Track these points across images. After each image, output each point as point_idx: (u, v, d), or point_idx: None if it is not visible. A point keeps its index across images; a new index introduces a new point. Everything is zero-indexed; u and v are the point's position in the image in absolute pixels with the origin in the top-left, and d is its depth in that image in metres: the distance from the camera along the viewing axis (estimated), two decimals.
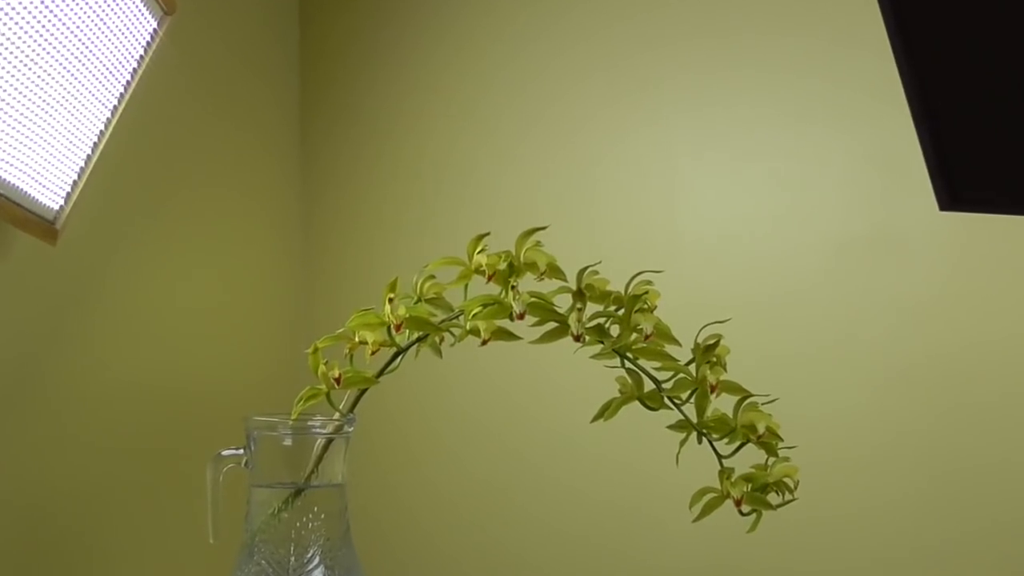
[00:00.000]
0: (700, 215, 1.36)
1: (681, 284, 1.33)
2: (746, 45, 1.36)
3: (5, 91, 0.84)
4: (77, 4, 0.89)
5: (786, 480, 0.87)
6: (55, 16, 0.86)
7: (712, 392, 0.85)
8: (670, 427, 0.88)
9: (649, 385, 0.88)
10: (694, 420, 0.87)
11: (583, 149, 1.44)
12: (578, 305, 0.84)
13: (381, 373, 0.88)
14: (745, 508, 0.86)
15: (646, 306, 0.87)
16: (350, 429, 0.90)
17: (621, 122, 1.42)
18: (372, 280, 1.55)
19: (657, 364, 0.87)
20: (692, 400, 0.87)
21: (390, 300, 0.86)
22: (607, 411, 0.87)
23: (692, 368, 0.87)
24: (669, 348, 0.87)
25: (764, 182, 1.34)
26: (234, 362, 1.35)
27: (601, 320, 0.87)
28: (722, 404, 0.87)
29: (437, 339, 0.89)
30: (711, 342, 0.87)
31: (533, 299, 0.85)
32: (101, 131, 0.97)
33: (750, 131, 1.36)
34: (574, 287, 0.86)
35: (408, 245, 1.56)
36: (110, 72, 0.96)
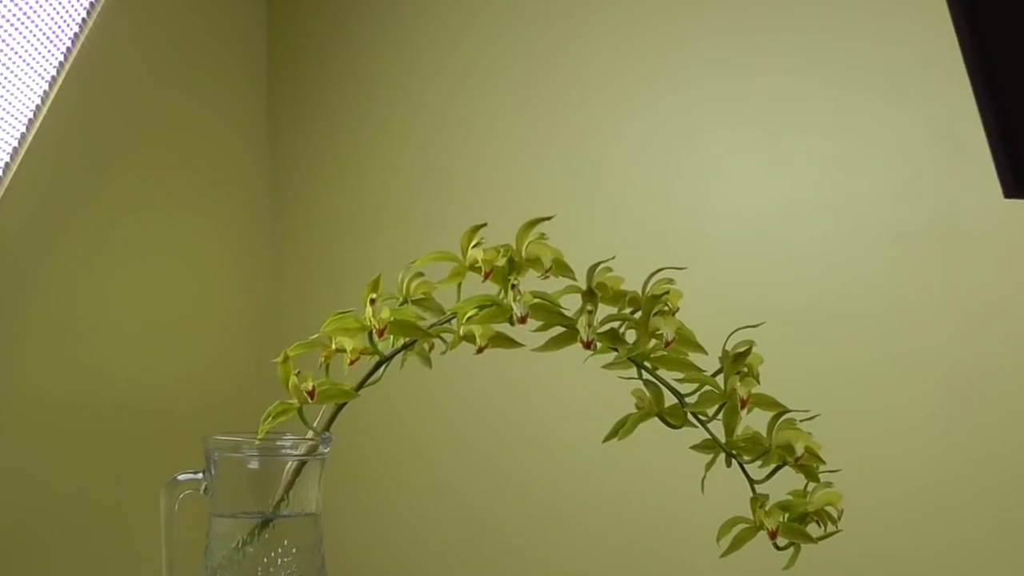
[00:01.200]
0: (729, 202, 1.37)
1: (707, 283, 1.34)
2: (784, 2, 1.37)
3: None
4: None
5: (828, 509, 0.87)
6: None
7: (743, 407, 0.86)
8: (694, 448, 0.88)
9: (670, 399, 0.88)
10: (722, 439, 0.87)
11: (592, 125, 1.45)
12: (588, 307, 0.85)
13: (361, 385, 0.89)
14: (781, 541, 0.86)
15: (667, 308, 0.87)
16: (326, 450, 0.90)
17: (637, 93, 1.42)
18: (351, 278, 1.56)
19: (679, 375, 0.87)
20: (720, 417, 0.87)
21: (372, 301, 0.86)
22: (622, 429, 0.88)
23: (720, 380, 0.88)
24: (693, 356, 0.88)
25: (804, 163, 1.35)
26: (191, 373, 1.36)
27: (615, 324, 0.87)
28: (754, 421, 0.88)
29: (426, 346, 0.90)
30: (742, 350, 0.87)
31: (536, 300, 0.86)
32: (37, 106, 0.97)
33: (788, 103, 1.36)
34: (584, 286, 0.86)
35: (392, 238, 1.57)
36: (47, 37, 0.96)
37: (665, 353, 0.87)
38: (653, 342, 0.87)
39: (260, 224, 1.56)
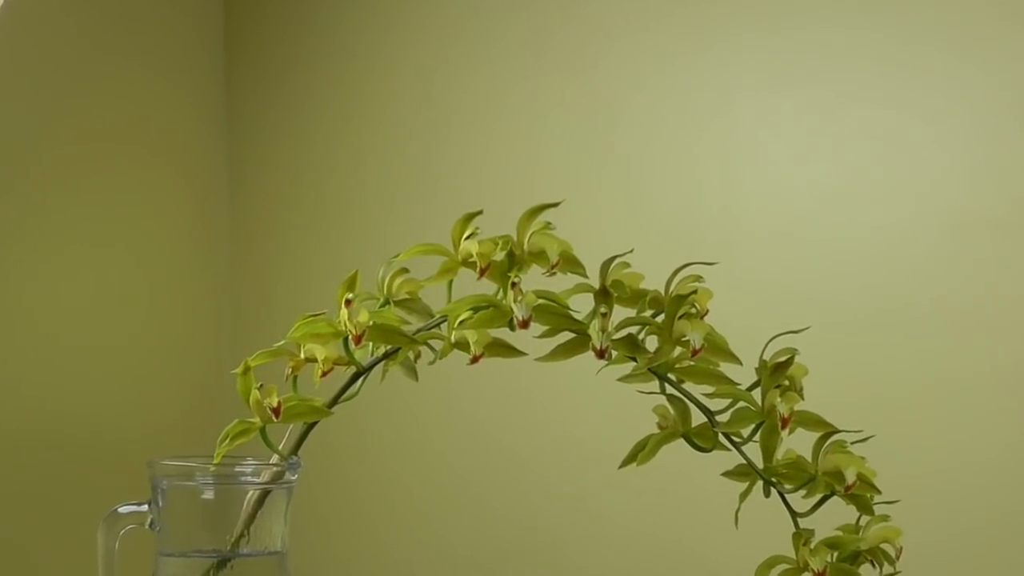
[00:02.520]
0: (768, 185, 1.37)
1: (742, 281, 1.34)
2: None
3: None
4: None
5: (885, 547, 0.88)
6: None
7: (784, 427, 0.86)
8: (727, 475, 0.89)
9: (699, 417, 0.88)
10: (760, 465, 0.88)
11: (606, 92, 1.45)
12: (602, 309, 0.86)
13: (335, 401, 0.89)
14: None
15: (694, 310, 0.87)
16: (293, 477, 0.91)
17: (659, 52, 1.42)
18: (322, 275, 1.56)
19: (709, 388, 0.88)
20: (757, 438, 0.88)
21: (347, 302, 0.87)
22: (641, 453, 0.88)
23: (756, 395, 0.88)
24: (725, 367, 0.88)
25: (857, 138, 1.35)
26: (133, 387, 1.36)
27: (633, 329, 0.88)
28: (797, 443, 0.89)
29: (411, 355, 0.90)
30: (782, 359, 0.88)
31: (541, 301, 0.87)
32: None
33: (840, 67, 1.37)
34: (597, 284, 0.87)
35: (371, 228, 1.57)
36: None
37: (692, 363, 0.88)
38: (678, 350, 0.87)
39: (215, 211, 1.57)
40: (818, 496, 0.88)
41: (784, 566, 0.87)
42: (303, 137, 1.63)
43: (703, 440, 0.88)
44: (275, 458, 0.90)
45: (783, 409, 0.86)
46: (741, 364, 0.88)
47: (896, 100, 1.35)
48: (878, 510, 0.88)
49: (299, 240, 1.61)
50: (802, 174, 1.37)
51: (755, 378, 0.88)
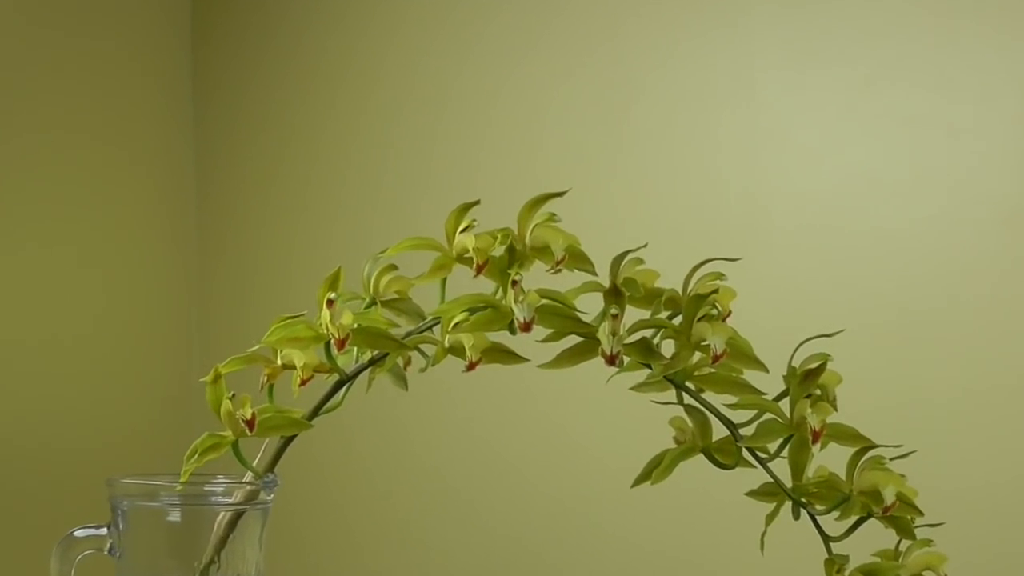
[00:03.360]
0: (797, 174, 1.37)
1: (768, 279, 1.34)
2: None
3: None
4: None
5: (927, 575, 0.88)
6: None
7: (815, 441, 0.86)
8: (752, 494, 0.89)
9: (720, 431, 0.88)
10: (788, 483, 0.88)
11: (617, 70, 1.45)
12: (613, 310, 0.85)
13: (316, 413, 0.89)
14: None
15: (715, 311, 0.87)
16: (269, 497, 0.91)
17: (674, 27, 1.42)
18: (300, 273, 1.56)
19: (731, 398, 0.88)
20: (785, 453, 0.88)
21: (329, 303, 0.87)
22: (656, 470, 0.88)
23: (785, 405, 0.88)
24: (749, 375, 0.88)
25: (893, 122, 1.35)
26: (93, 398, 1.36)
27: (647, 332, 0.88)
28: (830, 459, 0.89)
29: (400, 361, 0.90)
30: (813, 366, 0.88)
31: (545, 301, 0.86)
32: None
33: (872, 42, 1.37)
34: (607, 283, 0.87)
35: (354, 221, 1.56)
36: None
37: (713, 370, 0.88)
38: (697, 356, 0.88)
39: (181, 203, 1.57)
40: (853, 518, 0.88)
41: None
42: (278, 122, 1.63)
43: (725, 456, 0.88)
44: (249, 476, 0.90)
45: (814, 421, 0.86)
46: (767, 371, 0.88)
47: (936, 79, 1.35)
48: (920, 533, 0.88)
49: (274, 235, 1.61)
50: (833, 161, 1.37)
51: (783, 387, 0.88)
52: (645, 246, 0.88)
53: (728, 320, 0.88)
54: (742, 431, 0.88)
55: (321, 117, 1.60)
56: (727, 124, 1.40)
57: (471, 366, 0.86)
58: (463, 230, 0.88)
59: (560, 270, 0.87)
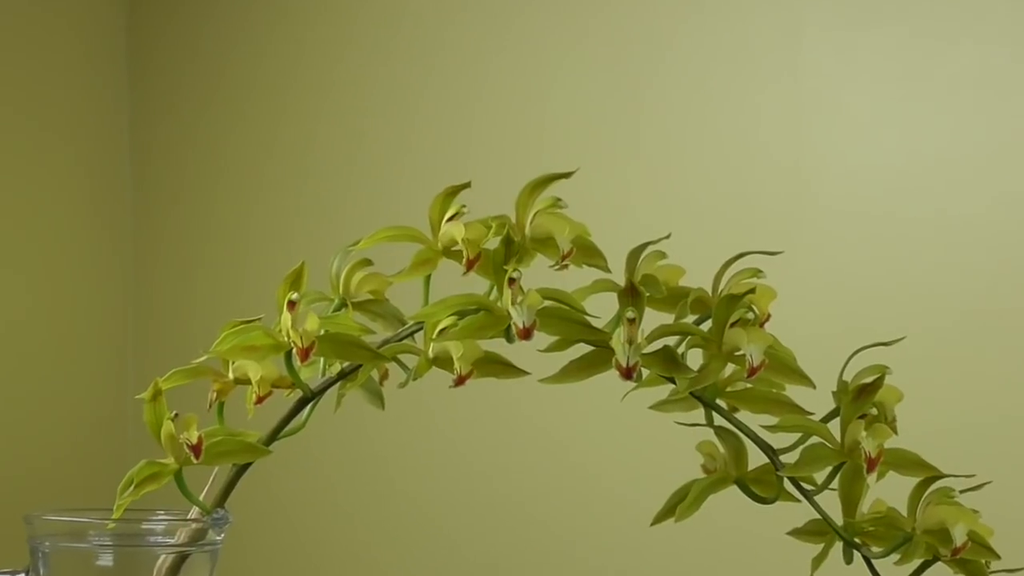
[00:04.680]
0: (848, 147, 1.37)
1: (814, 275, 1.34)
2: None
3: None
4: None
5: None
6: None
7: (871, 470, 0.86)
8: (795, 533, 0.89)
9: (758, 457, 0.88)
10: (839, 520, 0.87)
11: (636, 28, 1.45)
12: (629, 313, 0.85)
13: (275, 436, 0.89)
14: None
15: (751, 315, 0.87)
16: (219, 537, 0.91)
17: None
18: (253, 270, 1.56)
19: (771, 419, 0.88)
20: (834, 484, 0.87)
21: (291, 304, 0.87)
22: (682, 504, 0.88)
23: (834, 427, 0.88)
24: (792, 390, 0.88)
25: (963, 87, 1.35)
26: (10, 420, 1.35)
27: (671, 340, 0.88)
28: (889, 491, 0.88)
29: (376, 375, 0.90)
30: (868, 380, 0.88)
31: (548, 302, 0.86)
32: None
33: (938, 6, 1.37)
34: (622, 281, 0.87)
35: (318, 207, 1.57)
36: None
37: (749, 385, 0.88)
38: (731, 368, 0.87)
39: (114, 192, 1.57)
40: (916, 561, 0.87)
41: None
42: (224, 97, 1.63)
43: (763, 487, 0.88)
44: (195, 512, 0.89)
45: (869, 446, 0.86)
46: (814, 387, 0.88)
47: (1012, 38, 1.35)
48: None
49: (223, 225, 1.61)
50: (891, 134, 1.37)
51: (832, 405, 0.88)
52: (668, 237, 0.88)
53: (767, 326, 0.88)
54: (783, 458, 0.88)
55: (277, 85, 1.60)
56: (767, 91, 1.40)
57: (460, 380, 0.86)
58: (450, 218, 0.88)
59: (566, 266, 0.87)
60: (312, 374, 0.89)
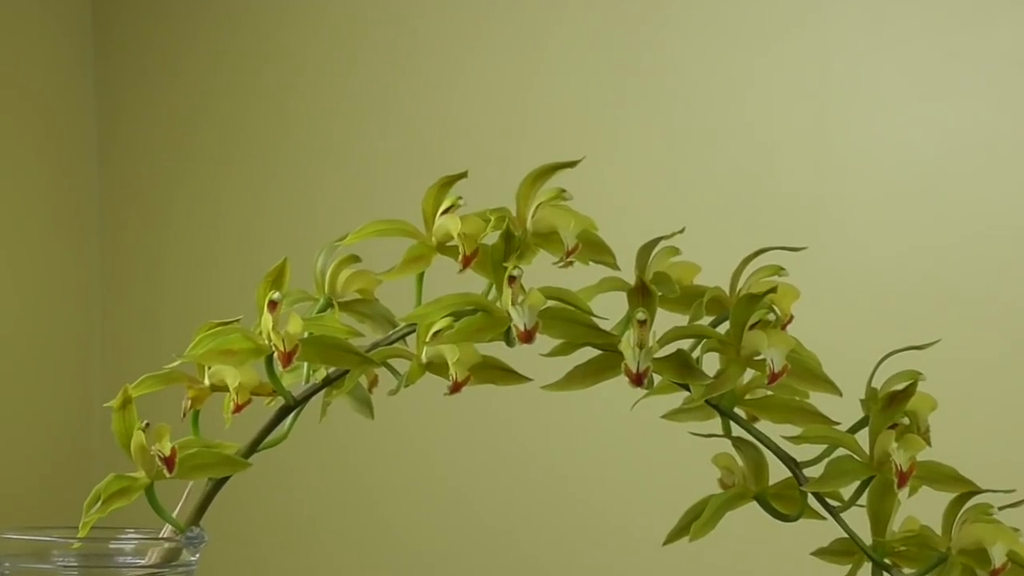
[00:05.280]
0: (878, 130, 1.37)
1: (841, 272, 1.34)
2: None
3: None
4: None
5: None
6: None
7: (902, 484, 0.86)
8: (820, 553, 0.89)
9: (779, 471, 0.88)
10: (867, 540, 0.87)
11: (647, 7, 1.45)
12: (640, 314, 0.85)
13: (254, 448, 0.89)
14: None
15: (773, 316, 0.87)
16: (193, 558, 0.91)
17: None
18: (230, 267, 1.56)
19: (795, 429, 0.88)
20: (863, 500, 0.87)
21: (272, 304, 0.87)
22: (696, 523, 0.88)
23: (862, 438, 0.88)
24: (816, 398, 0.88)
25: (1009, 64, 1.35)
26: None
27: (685, 344, 0.87)
28: (921, 508, 0.88)
29: (364, 381, 0.90)
30: (900, 387, 0.87)
31: (552, 302, 0.86)
32: None
33: None
34: (632, 279, 0.87)
35: (298, 198, 1.56)
36: None
37: (770, 393, 0.88)
38: (750, 374, 0.87)
39: (80, 183, 1.57)
40: None
41: None
42: (195, 78, 1.63)
43: (785, 504, 0.88)
44: (168, 530, 0.89)
45: (901, 459, 0.86)
46: (840, 394, 0.88)
47: None
48: None
49: (196, 218, 1.61)
50: (928, 116, 1.37)
51: (860, 414, 0.88)
52: (681, 231, 0.88)
53: (789, 328, 0.88)
54: (807, 472, 0.88)
55: (249, 70, 1.60)
56: (790, 72, 1.40)
57: (456, 387, 0.86)
58: (445, 211, 0.88)
59: (571, 263, 0.87)
60: (295, 380, 0.89)
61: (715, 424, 0.88)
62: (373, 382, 0.91)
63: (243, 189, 1.60)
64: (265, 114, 1.60)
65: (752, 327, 0.87)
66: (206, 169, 1.62)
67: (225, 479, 0.89)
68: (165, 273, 1.61)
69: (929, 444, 0.87)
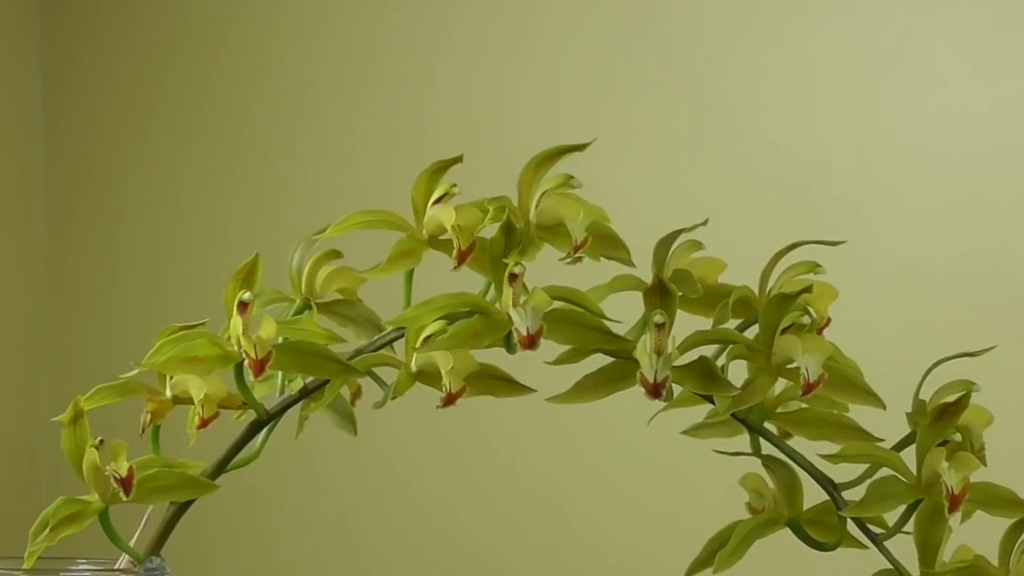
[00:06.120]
0: (928, 109, 1.37)
1: (883, 269, 1.34)
2: None
3: None
4: None
5: None
6: None
7: (954, 509, 0.86)
8: None
9: (814, 493, 0.88)
10: (914, 572, 0.87)
11: None
12: (658, 317, 0.85)
13: (222, 468, 0.89)
14: None
15: (808, 319, 0.87)
16: None
17: None
18: (193, 265, 1.56)
19: (833, 446, 0.88)
20: (909, 526, 0.87)
21: (242, 306, 0.87)
22: (722, 552, 0.88)
23: (909, 456, 0.88)
24: (855, 411, 0.88)
25: None
26: None
27: (708, 350, 0.87)
28: (975, 535, 0.88)
29: (346, 392, 0.90)
30: (951, 399, 0.87)
31: (558, 303, 0.86)
32: None
33: None
34: (648, 277, 0.87)
35: (270, 185, 1.56)
36: None
37: (805, 405, 0.88)
38: (782, 384, 0.87)
39: (27, 175, 1.57)
40: None
41: None
42: (149, 56, 1.63)
43: (822, 531, 0.88)
44: (125, 560, 0.89)
45: (952, 480, 0.86)
46: (884, 407, 0.88)
47: None
48: None
49: (154, 215, 1.61)
50: (979, 99, 1.37)
51: (906, 429, 0.88)
52: (705, 223, 0.88)
53: (826, 332, 0.88)
54: (847, 495, 0.88)
55: (211, 35, 1.60)
56: (826, 39, 1.40)
57: (450, 399, 0.86)
58: (438, 200, 0.88)
59: (580, 258, 0.87)
60: (268, 391, 0.89)
61: (743, 441, 0.89)
62: (356, 394, 0.91)
63: (206, 176, 1.60)
64: (229, 91, 1.60)
65: (784, 331, 0.87)
66: (164, 154, 1.62)
67: (189, 503, 0.89)
68: (120, 270, 1.61)
69: (984, 463, 0.87)
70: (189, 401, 0.88)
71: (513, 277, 0.85)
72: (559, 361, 0.87)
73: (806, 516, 0.88)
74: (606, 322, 0.87)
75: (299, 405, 0.89)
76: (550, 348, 0.86)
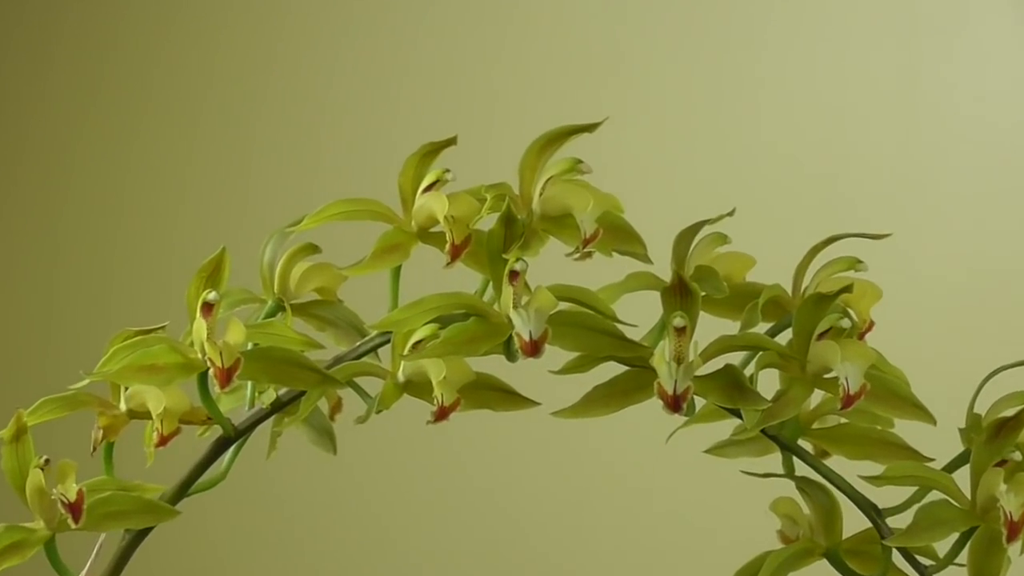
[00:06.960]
0: (972, 106, 1.37)
1: (931, 269, 1.34)
2: None
3: None
4: None
5: None
6: None
7: (1014, 538, 0.86)
8: None
9: (856, 520, 0.88)
10: None
11: None
12: (678, 320, 0.85)
13: (184, 491, 0.89)
14: None
15: (847, 323, 0.87)
16: None
17: None
18: (150, 262, 1.56)
19: (876, 466, 0.88)
20: (962, 557, 0.87)
21: (206, 307, 0.87)
22: None
23: (962, 477, 0.88)
24: (901, 427, 0.88)
25: None
26: None
27: (735, 358, 0.88)
28: None
29: (325, 406, 0.90)
30: (1009, 414, 0.87)
31: (565, 304, 0.86)
32: None
33: None
34: (667, 275, 0.87)
35: (239, 173, 1.56)
36: None
37: (844, 420, 0.88)
38: (818, 397, 0.88)
39: None
40: None
41: None
42: (94, 26, 1.63)
43: (864, 562, 0.89)
44: None
45: (1011, 505, 0.86)
46: (934, 422, 0.88)
47: None
48: None
49: (102, 199, 1.61)
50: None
51: (959, 447, 0.89)
52: (731, 214, 0.88)
53: (869, 337, 0.88)
54: (892, 521, 0.88)
55: (157, 7, 1.60)
56: (867, 4, 1.40)
57: (442, 413, 0.86)
58: (428, 187, 0.88)
59: (590, 254, 0.87)
60: (236, 404, 0.90)
61: (774, 461, 0.89)
62: (336, 407, 0.91)
63: (163, 158, 1.60)
64: (185, 64, 1.60)
65: (821, 336, 0.87)
66: (113, 134, 1.62)
67: (146, 531, 0.89)
68: (66, 266, 1.61)
69: None
70: (147, 415, 0.88)
71: (514, 275, 0.85)
72: (566, 370, 0.87)
73: (845, 546, 0.89)
74: (619, 326, 0.87)
75: (271, 420, 0.89)
76: (555, 355, 0.86)
